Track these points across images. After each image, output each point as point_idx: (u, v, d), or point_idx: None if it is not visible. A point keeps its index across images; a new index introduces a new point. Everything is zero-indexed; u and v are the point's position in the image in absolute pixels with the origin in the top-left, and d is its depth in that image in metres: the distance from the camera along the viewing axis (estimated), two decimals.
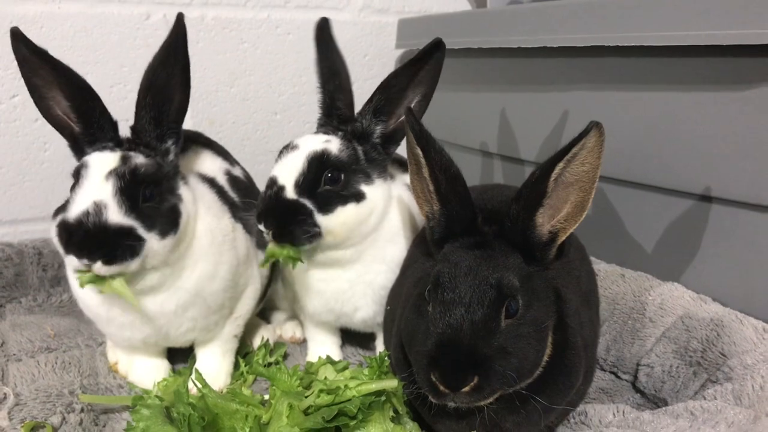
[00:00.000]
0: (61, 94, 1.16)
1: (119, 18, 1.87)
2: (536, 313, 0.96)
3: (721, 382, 1.12)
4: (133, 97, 1.91)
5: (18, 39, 1.12)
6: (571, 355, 1.01)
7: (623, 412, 1.13)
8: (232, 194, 1.41)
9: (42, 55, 1.13)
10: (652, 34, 1.29)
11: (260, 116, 2.13)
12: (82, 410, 1.17)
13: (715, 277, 1.35)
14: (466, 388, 0.90)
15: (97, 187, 1.10)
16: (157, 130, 1.22)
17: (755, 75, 1.21)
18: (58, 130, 1.19)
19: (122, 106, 1.92)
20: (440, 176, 1.04)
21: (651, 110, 1.41)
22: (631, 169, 1.46)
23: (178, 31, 1.19)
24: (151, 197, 1.14)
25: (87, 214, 1.07)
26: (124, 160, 1.14)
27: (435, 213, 1.07)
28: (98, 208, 1.08)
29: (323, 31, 1.37)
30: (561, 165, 0.96)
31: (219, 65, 2.03)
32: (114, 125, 1.20)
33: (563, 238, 1.01)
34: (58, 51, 1.81)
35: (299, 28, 2.10)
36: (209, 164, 1.44)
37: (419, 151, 1.06)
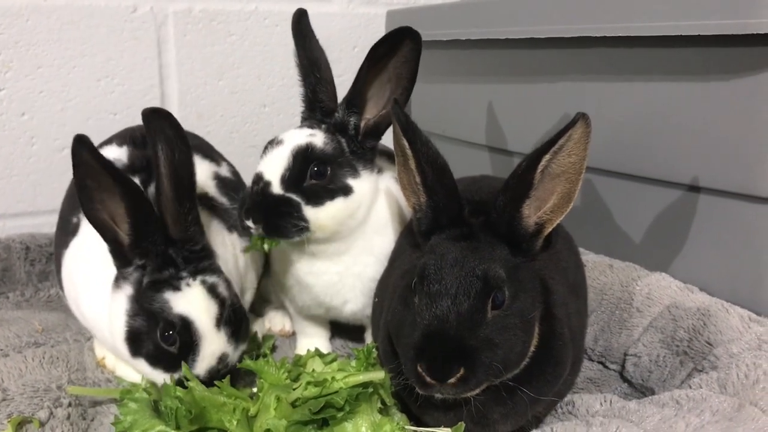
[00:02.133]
0: (123, 207, 1.13)
1: (106, 10, 1.85)
2: (523, 304, 0.96)
3: (707, 371, 1.13)
4: (121, 90, 1.94)
5: (82, 145, 1.08)
6: (558, 346, 1.02)
7: (610, 401, 1.14)
8: (222, 200, 1.41)
9: (107, 165, 1.10)
10: (639, 24, 1.29)
11: (249, 109, 2.12)
12: (69, 405, 1.16)
13: (702, 267, 1.36)
14: (453, 380, 0.89)
15: (213, 337, 1.18)
16: (191, 215, 1.20)
17: (743, 65, 1.21)
18: (99, 231, 1.15)
19: (109, 100, 1.93)
20: (427, 168, 1.03)
21: (639, 101, 1.41)
22: (619, 160, 1.47)
23: (172, 125, 1.16)
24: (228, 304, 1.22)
25: (216, 370, 1.19)
26: (214, 292, 1.19)
27: (422, 205, 1.06)
28: (223, 359, 1.20)
29: (300, 22, 1.34)
30: (547, 156, 0.96)
31: (207, 58, 2.02)
32: (166, 237, 1.18)
33: (549, 229, 1.01)
34: (44, 45, 1.83)
35: (287, 20, 2.04)
36: (198, 173, 1.42)
37: (405, 143, 1.05)
